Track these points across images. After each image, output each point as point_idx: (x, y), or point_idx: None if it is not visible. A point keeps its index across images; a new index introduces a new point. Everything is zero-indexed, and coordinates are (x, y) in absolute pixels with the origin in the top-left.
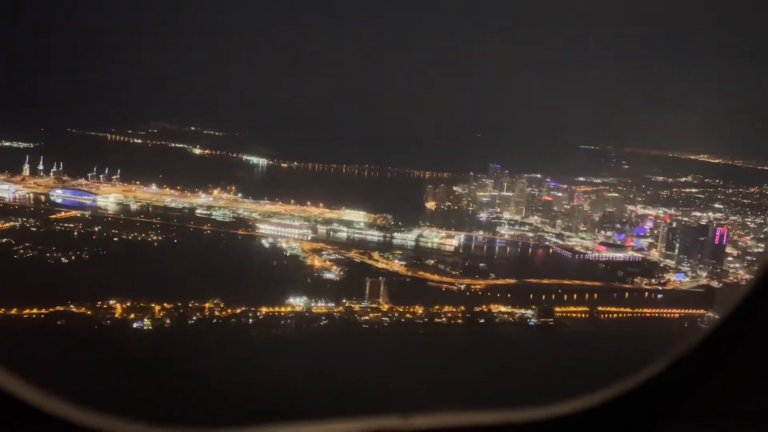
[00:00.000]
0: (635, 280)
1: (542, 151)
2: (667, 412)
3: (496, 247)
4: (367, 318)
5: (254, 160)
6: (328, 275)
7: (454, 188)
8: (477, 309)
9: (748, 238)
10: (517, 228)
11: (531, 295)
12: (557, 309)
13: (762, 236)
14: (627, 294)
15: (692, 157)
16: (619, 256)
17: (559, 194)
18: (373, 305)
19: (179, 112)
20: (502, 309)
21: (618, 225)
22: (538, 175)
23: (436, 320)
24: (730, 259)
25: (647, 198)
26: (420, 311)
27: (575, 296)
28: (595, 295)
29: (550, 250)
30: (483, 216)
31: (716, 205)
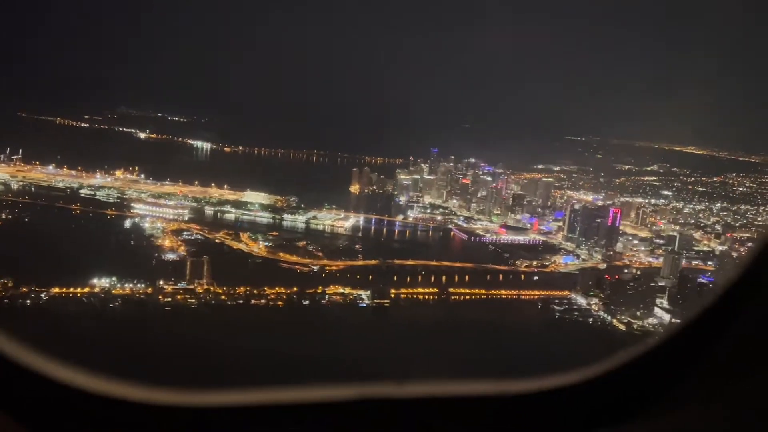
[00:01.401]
0: (516, 262)
1: (524, 141)
2: (650, 396)
3: (395, 230)
4: (170, 300)
5: (198, 144)
6: (170, 256)
7: (395, 172)
8: (310, 290)
9: (663, 221)
10: (430, 211)
11: (394, 276)
12: (407, 290)
13: (691, 221)
14: (501, 276)
15: (677, 148)
16: (519, 238)
17: (488, 178)
18: (190, 286)
19: (152, 99)
20: (341, 290)
21: (539, 209)
22: (473, 159)
23: (253, 302)
24: (635, 241)
25: (597, 184)
26: (240, 292)
27: (436, 277)
28: (465, 276)
29: (452, 233)
30: (402, 199)
31: (664, 192)
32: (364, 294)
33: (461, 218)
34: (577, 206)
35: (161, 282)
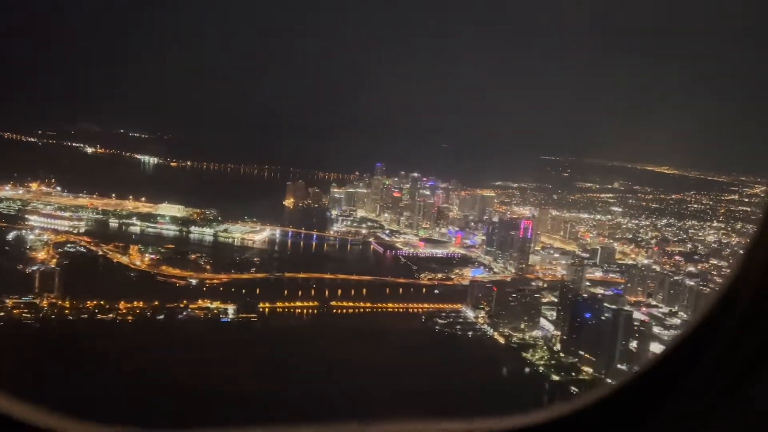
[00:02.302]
0: (421, 275)
1: (496, 160)
2: (642, 417)
3: (312, 243)
4: (2, 315)
5: (145, 159)
6: (34, 268)
7: (330, 187)
8: (171, 305)
9: (590, 235)
10: (357, 225)
11: (283, 290)
12: (284, 304)
13: (628, 236)
14: (399, 289)
15: (649, 168)
16: (438, 252)
17: (427, 192)
18: (35, 300)
19: (119, 116)
20: (207, 305)
21: (473, 223)
22: (415, 174)
23: (100, 316)
24: (557, 255)
25: (548, 201)
26: (89, 306)
27: (326, 291)
28: (359, 290)
29: (370, 247)
30: (334, 213)
31: (614, 208)
32: (231, 308)
33: (387, 232)
34: (495, 220)
35: (3, 296)
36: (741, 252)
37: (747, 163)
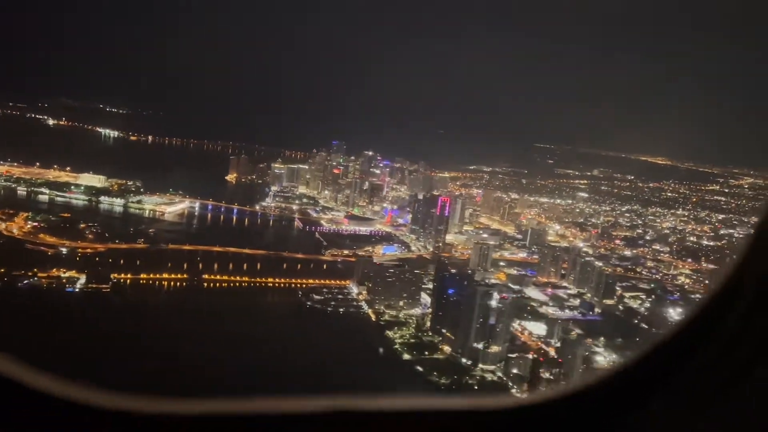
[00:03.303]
0: (327, 251)
1: (489, 145)
2: (631, 409)
3: (233, 217)
4: None
5: (106, 132)
6: None
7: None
8: (19, 272)
9: (526, 217)
10: (292, 200)
11: (162, 262)
12: (147, 275)
13: (580, 219)
14: (297, 264)
15: (643, 158)
16: (361, 229)
17: (377, 171)
18: None
19: (104, 92)
20: (60, 274)
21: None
22: (369, 152)
23: None
24: (485, 234)
25: (516, 185)
26: None
27: (206, 263)
28: (247, 264)
29: (294, 222)
30: (274, 189)
31: (581, 194)
32: (83, 278)
33: (318, 208)
34: (420, 197)
35: None
36: (741, 247)
37: (742, 157)
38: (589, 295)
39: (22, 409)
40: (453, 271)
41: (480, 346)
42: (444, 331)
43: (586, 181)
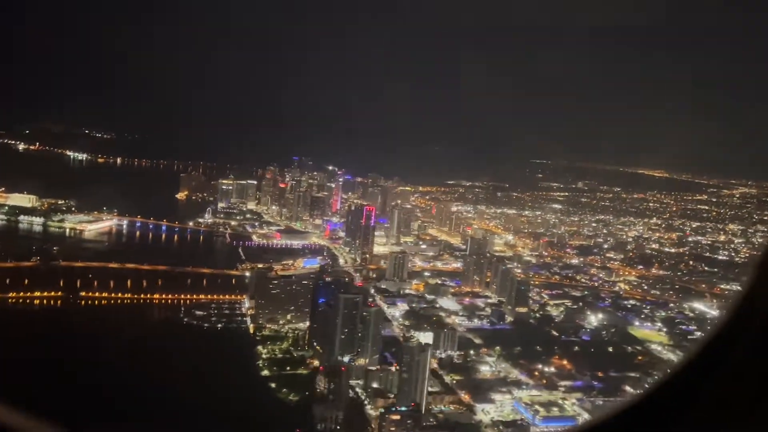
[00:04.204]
0: (241, 266)
1: (481, 161)
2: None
3: (161, 235)
4: None
5: (74, 155)
6: None
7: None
8: None
9: (472, 227)
10: (231, 216)
11: (56, 279)
12: (20, 294)
13: (540, 230)
14: (202, 280)
15: (641, 171)
16: (294, 243)
17: (331, 185)
18: None
19: (83, 116)
20: None
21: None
22: (330, 167)
23: None
24: (423, 246)
25: (490, 198)
26: None
27: (96, 280)
28: (144, 280)
29: (223, 238)
30: (220, 205)
31: (555, 206)
32: None
33: (257, 223)
34: (353, 209)
35: None
36: (758, 264)
37: (747, 168)
38: (506, 304)
39: None
40: (328, 279)
41: (346, 359)
42: (316, 344)
43: (566, 194)
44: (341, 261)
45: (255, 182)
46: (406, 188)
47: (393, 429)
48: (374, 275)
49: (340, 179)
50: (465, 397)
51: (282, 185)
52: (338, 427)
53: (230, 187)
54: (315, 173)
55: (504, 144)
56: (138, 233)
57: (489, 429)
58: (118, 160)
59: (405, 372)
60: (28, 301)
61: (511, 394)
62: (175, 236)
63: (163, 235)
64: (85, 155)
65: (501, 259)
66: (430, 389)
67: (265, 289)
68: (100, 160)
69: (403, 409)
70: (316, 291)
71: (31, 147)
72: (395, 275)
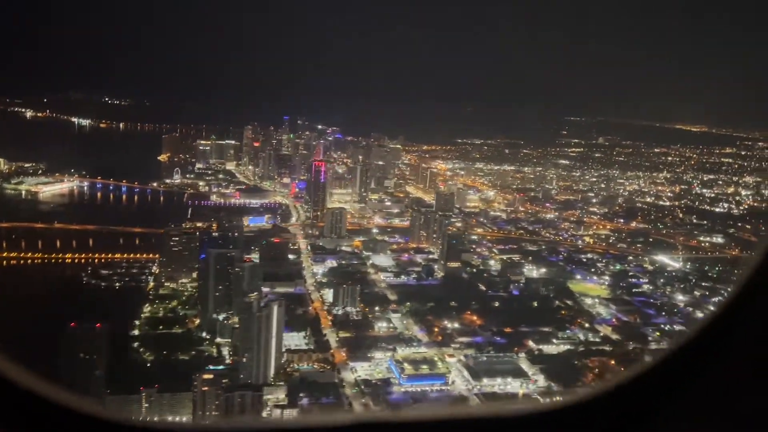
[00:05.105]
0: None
1: (513, 120)
2: (650, 412)
3: (122, 196)
4: None
5: (79, 121)
6: None
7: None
8: None
9: (445, 183)
10: (202, 176)
11: None
12: None
13: (530, 185)
14: (131, 239)
15: (678, 126)
16: (252, 202)
17: (313, 143)
18: None
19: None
20: None
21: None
22: (320, 126)
23: None
24: (388, 203)
25: (497, 156)
26: None
27: (17, 241)
28: (67, 240)
29: (183, 198)
30: (198, 165)
31: (562, 161)
32: None
33: (224, 183)
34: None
35: None
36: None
37: None
38: (441, 259)
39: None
40: (215, 235)
41: (221, 317)
42: (198, 303)
43: (581, 149)
44: (294, 219)
45: (234, 142)
46: (396, 146)
47: (205, 388)
48: (318, 232)
49: (330, 137)
50: (341, 355)
51: (256, 144)
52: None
53: (207, 148)
54: (308, 133)
55: (536, 101)
56: (97, 194)
57: (349, 388)
58: (121, 126)
59: (244, 330)
60: None
61: (396, 351)
62: (135, 197)
63: (124, 196)
64: (89, 121)
65: (445, 215)
66: (302, 347)
67: (167, 246)
68: (102, 126)
69: (221, 368)
70: (201, 247)
71: (39, 114)
72: (333, 232)
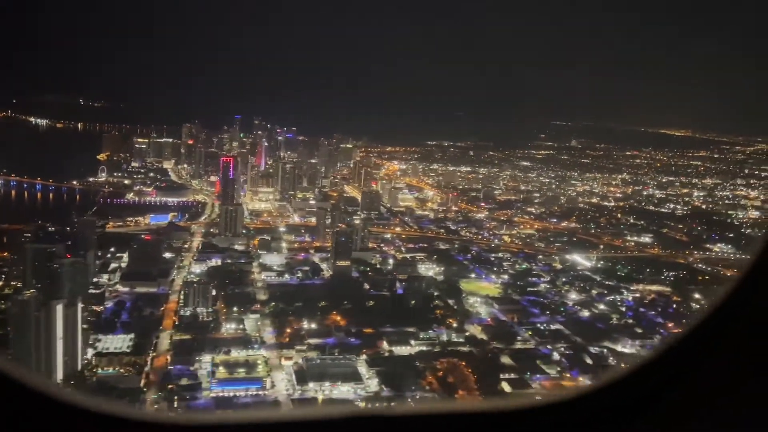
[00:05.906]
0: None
1: (512, 123)
2: (641, 409)
3: (36, 194)
4: None
5: (36, 121)
6: None
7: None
8: None
9: (378, 182)
10: (133, 175)
11: None
12: None
13: (477, 186)
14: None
15: (662, 131)
16: (170, 200)
17: (257, 142)
18: None
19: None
20: None
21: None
22: (277, 128)
23: None
24: (312, 201)
25: (456, 157)
26: None
27: None
28: None
29: (98, 195)
30: (134, 164)
31: (524, 163)
32: None
33: (149, 182)
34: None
35: None
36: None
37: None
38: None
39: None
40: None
41: None
42: None
43: (548, 152)
44: (204, 217)
45: (172, 140)
46: (348, 146)
47: None
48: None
49: (280, 137)
50: (163, 358)
51: (190, 142)
52: None
53: (144, 146)
54: (259, 132)
55: (530, 105)
56: (8, 192)
57: (153, 393)
58: (79, 126)
59: (17, 330)
60: None
61: (226, 355)
62: (50, 195)
63: (38, 194)
64: (45, 121)
65: (348, 213)
66: (114, 350)
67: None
68: (59, 126)
69: None
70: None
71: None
72: (227, 230)
